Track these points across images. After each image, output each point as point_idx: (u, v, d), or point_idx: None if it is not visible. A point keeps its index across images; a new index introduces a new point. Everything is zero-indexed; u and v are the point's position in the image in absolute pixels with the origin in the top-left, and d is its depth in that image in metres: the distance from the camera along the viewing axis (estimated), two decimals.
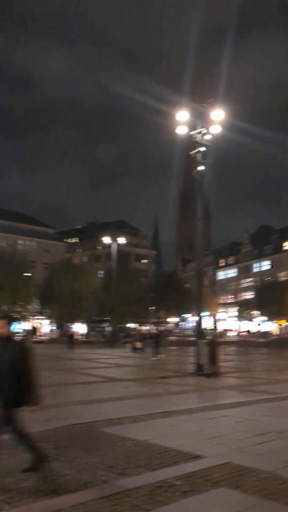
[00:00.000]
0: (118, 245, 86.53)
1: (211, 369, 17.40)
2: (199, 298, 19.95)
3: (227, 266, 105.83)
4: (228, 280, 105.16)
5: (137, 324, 64.11)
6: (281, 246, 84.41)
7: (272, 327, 70.09)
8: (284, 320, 64.26)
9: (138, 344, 32.10)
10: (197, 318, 21.24)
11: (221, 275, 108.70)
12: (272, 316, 64.30)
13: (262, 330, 72.33)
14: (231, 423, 6.86)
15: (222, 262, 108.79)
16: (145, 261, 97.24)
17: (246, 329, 74.13)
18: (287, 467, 4.62)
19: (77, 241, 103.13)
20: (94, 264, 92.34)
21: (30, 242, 79.89)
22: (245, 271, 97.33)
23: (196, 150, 19.72)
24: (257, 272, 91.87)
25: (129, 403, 9.64)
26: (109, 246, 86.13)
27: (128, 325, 64.20)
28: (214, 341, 17.98)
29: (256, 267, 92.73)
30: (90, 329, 59.81)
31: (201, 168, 19.91)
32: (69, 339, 30.82)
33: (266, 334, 66.35)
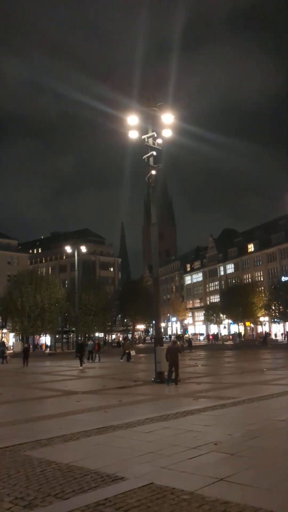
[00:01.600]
0: (83, 254, 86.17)
1: (171, 376, 17.13)
2: (157, 304, 19.57)
3: (193, 270, 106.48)
4: (195, 284, 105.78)
5: (103, 334, 63.41)
6: (245, 249, 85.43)
7: (240, 329, 70.62)
8: (248, 322, 64.82)
9: (133, 352, 32.38)
10: (160, 324, 20.87)
11: (188, 280, 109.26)
12: (237, 318, 64.76)
13: (232, 332, 72.78)
14: (168, 436, 6.47)
15: (188, 267, 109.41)
16: (111, 269, 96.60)
17: (213, 333, 74.36)
18: (211, 485, 4.25)
19: (41, 251, 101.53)
20: (59, 274, 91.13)
21: None
22: (210, 275, 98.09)
23: (149, 154, 19.57)
24: (222, 275, 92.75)
25: (72, 419, 9.14)
26: (73, 255, 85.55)
27: (96, 334, 63.45)
28: (174, 348, 17.60)
29: (221, 271, 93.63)
30: (55, 340, 58.63)
31: (153, 172, 19.74)
32: (24, 353, 29.90)
33: (234, 336, 66.71)
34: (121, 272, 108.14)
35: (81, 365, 27.37)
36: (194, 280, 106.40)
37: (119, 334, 75.21)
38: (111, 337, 67.70)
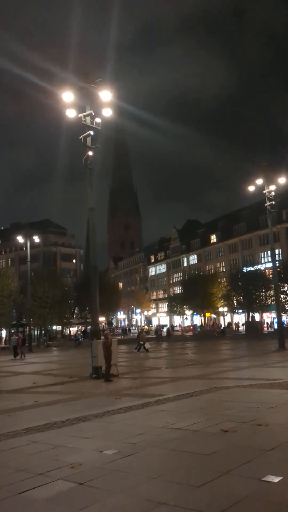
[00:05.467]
0: (43, 245, 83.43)
1: (107, 371, 16.05)
2: (94, 295, 18.22)
3: (157, 262, 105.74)
4: (159, 276, 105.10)
5: (60, 326, 61.55)
6: (207, 240, 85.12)
7: (201, 320, 70.09)
8: (209, 313, 64.40)
9: (147, 345, 30.28)
10: (98, 316, 19.63)
11: (152, 271, 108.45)
12: (197, 309, 64.23)
13: (194, 323, 71.89)
14: (26, 455, 5.19)
15: (152, 259, 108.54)
16: (73, 260, 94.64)
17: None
18: None
19: (0, 243, 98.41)
20: (19, 266, 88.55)
21: None
22: (174, 266, 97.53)
23: (86, 133, 18.32)
24: (186, 266, 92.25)
25: None
26: (36, 246, 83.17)
27: (54, 327, 61.68)
28: (106, 341, 16.40)
29: (185, 262, 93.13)
30: (10, 334, 56.59)
31: (90, 153, 18.47)
32: None
33: (195, 327, 65.97)
34: (84, 263, 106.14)
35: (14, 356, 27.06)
36: (158, 272, 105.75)
37: (81, 327, 73.60)
38: (69, 330, 66.00)
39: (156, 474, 4.23)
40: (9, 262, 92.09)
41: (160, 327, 57.07)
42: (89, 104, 18.60)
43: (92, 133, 18.54)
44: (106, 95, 18.02)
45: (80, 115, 18.34)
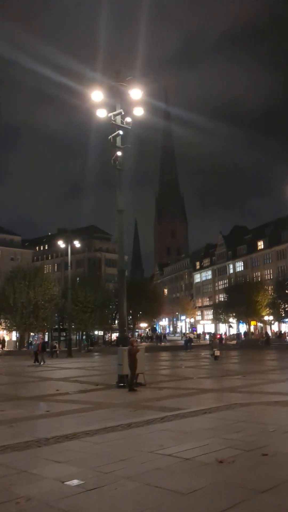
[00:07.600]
0: (89, 251, 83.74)
1: (131, 380, 15.35)
2: (122, 299, 17.54)
3: (203, 268, 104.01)
4: (204, 282, 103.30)
5: (101, 331, 61.41)
6: (255, 246, 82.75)
7: (247, 328, 67.76)
8: (254, 321, 62.21)
9: (218, 352, 29.08)
10: (125, 322, 18.94)
11: (197, 278, 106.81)
12: (242, 317, 62.18)
13: (239, 331, 69.58)
14: None
15: (197, 265, 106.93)
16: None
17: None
18: None
19: (47, 248, 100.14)
20: (65, 271, 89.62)
21: None
22: (220, 273, 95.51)
23: (115, 133, 17.82)
24: (231, 273, 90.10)
25: None
26: (82, 251, 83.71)
27: (96, 332, 61.70)
28: (132, 349, 15.66)
29: (231, 268, 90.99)
30: (53, 338, 57.00)
31: (119, 153, 17.93)
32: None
33: (239, 336, 63.81)
34: (130, 269, 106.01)
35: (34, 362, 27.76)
36: (204, 278, 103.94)
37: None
38: (111, 335, 65.75)
39: None
40: (55, 267, 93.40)
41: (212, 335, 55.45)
42: (120, 103, 18.12)
43: (121, 132, 18.02)
44: (136, 93, 17.46)
45: (109, 114, 17.85)
